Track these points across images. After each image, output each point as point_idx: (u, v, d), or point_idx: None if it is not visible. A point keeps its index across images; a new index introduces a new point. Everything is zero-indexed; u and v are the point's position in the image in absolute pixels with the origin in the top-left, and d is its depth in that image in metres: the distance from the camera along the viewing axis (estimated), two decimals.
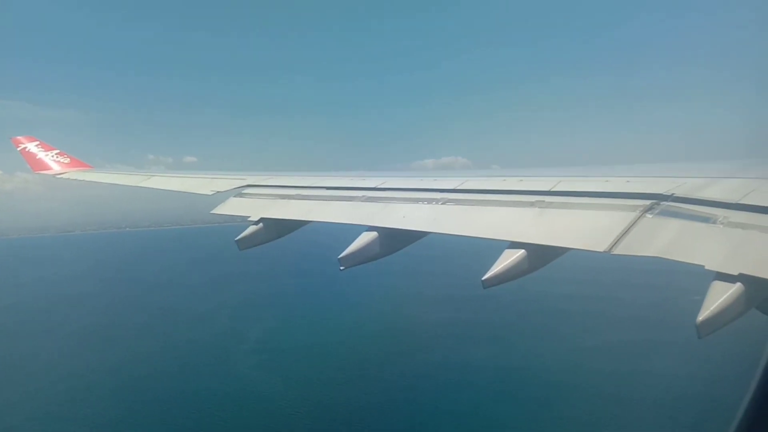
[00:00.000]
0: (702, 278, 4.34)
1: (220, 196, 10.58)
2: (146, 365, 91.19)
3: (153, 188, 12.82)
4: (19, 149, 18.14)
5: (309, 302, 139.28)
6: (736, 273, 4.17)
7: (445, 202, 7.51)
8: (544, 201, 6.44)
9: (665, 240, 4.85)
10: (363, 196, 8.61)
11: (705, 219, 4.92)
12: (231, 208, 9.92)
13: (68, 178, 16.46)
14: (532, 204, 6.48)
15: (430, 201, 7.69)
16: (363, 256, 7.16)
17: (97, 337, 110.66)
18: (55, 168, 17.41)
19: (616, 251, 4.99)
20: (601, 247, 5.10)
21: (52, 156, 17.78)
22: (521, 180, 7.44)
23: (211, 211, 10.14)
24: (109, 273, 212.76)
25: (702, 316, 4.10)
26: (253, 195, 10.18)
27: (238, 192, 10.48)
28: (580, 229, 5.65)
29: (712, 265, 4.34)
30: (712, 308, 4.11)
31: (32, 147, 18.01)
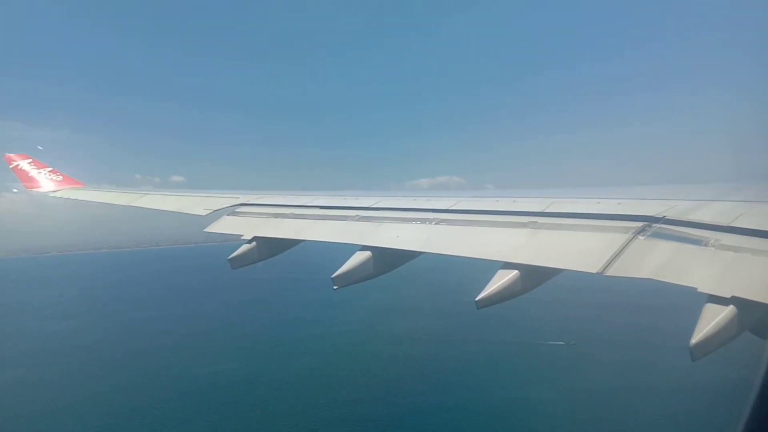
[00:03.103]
0: (694, 301, 4.34)
1: (213, 215, 10.54)
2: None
3: (146, 208, 12.73)
4: (11, 167, 18.02)
5: (300, 322, 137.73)
6: (728, 296, 4.16)
7: (438, 222, 7.50)
8: (536, 222, 6.44)
9: (658, 262, 4.85)
10: (356, 215, 8.59)
11: (697, 241, 4.92)
12: (224, 226, 9.86)
13: (61, 197, 16.34)
14: (524, 225, 6.48)
15: (423, 221, 7.67)
16: (356, 276, 7.13)
17: None
18: (48, 186, 17.30)
19: (609, 273, 4.99)
20: (593, 269, 5.10)
21: (45, 174, 17.68)
22: (514, 201, 7.45)
23: (205, 230, 10.08)
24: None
25: (695, 338, 4.08)
26: (246, 213, 10.13)
27: (231, 210, 10.42)
28: (573, 251, 5.65)
29: (704, 287, 4.33)
30: (705, 331, 4.09)
31: (25, 165, 17.92)
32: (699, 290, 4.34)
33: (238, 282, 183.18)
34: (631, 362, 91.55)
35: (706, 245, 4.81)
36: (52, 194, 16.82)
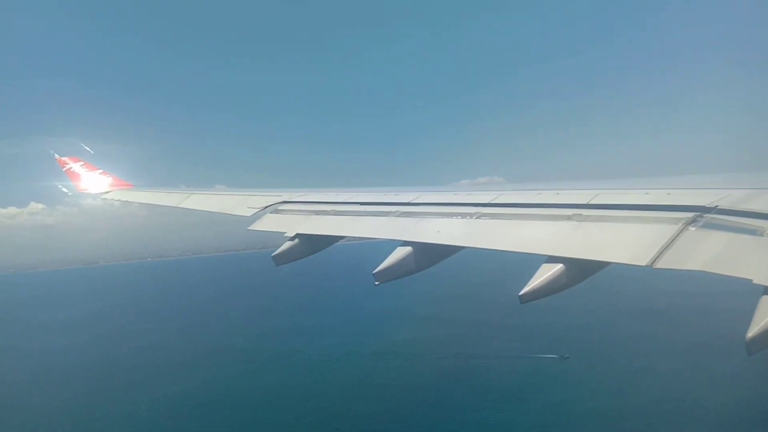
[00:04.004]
0: (750, 293, 4.21)
1: (257, 214, 10.79)
2: None
3: (192, 208, 13.11)
4: (64, 169, 18.79)
5: (290, 332, 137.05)
6: None
7: (479, 216, 7.47)
8: (581, 214, 6.33)
9: (710, 253, 4.70)
10: (397, 211, 8.66)
11: (752, 231, 4.75)
12: (267, 224, 10.11)
13: (111, 198, 16.96)
14: (569, 217, 6.39)
15: (464, 215, 7.66)
16: (398, 271, 7.20)
17: None
18: (99, 187, 17.98)
19: (659, 265, 4.87)
20: (642, 261, 4.99)
21: (96, 175, 18.38)
22: (557, 193, 7.32)
23: (248, 228, 10.34)
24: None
25: (751, 332, 3.97)
26: (288, 211, 10.36)
27: (274, 208, 10.67)
28: (620, 243, 5.52)
29: (760, 279, 4.19)
30: (762, 324, 3.97)
31: (77, 167, 18.66)
32: (755, 282, 4.20)
33: (263, 288, 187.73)
34: (630, 379, 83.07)
35: (762, 235, 4.64)
36: (103, 196, 17.47)
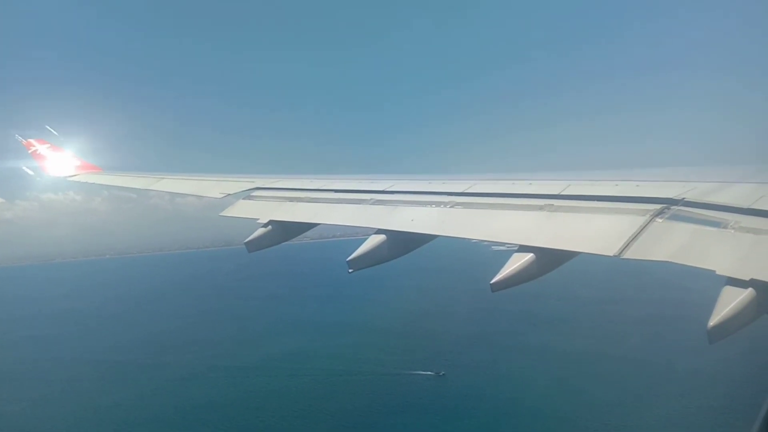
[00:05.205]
0: (713, 283, 4.32)
1: (228, 199, 10.64)
2: None
3: (163, 191, 12.85)
4: (30, 151, 18.09)
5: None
6: (747, 278, 4.15)
7: (453, 205, 7.51)
8: (553, 205, 6.42)
9: (676, 244, 4.84)
10: (371, 198, 8.62)
11: (716, 224, 4.89)
12: (240, 210, 9.95)
13: (78, 181, 16.48)
14: (541, 207, 6.47)
15: (438, 204, 7.69)
16: (371, 259, 7.20)
17: None
18: (66, 170, 17.42)
19: (626, 255, 4.99)
20: (610, 252, 5.10)
21: (63, 158, 17.80)
22: (530, 183, 7.41)
23: (220, 213, 10.18)
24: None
25: (713, 321, 4.09)
26: (261, 197, 10.20)
27: (247, 194, 10.50)
28: (590, 233, 5.64)
29: (723, 270, 4.33)
30: (723, 313, 4.10)
31: (43, 149, 18.00)
32: (717, 273, 4.34)
33: (198, 292, 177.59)
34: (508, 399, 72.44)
35: (725, 227, 4.79)
36: (69, 178, 16.95)
